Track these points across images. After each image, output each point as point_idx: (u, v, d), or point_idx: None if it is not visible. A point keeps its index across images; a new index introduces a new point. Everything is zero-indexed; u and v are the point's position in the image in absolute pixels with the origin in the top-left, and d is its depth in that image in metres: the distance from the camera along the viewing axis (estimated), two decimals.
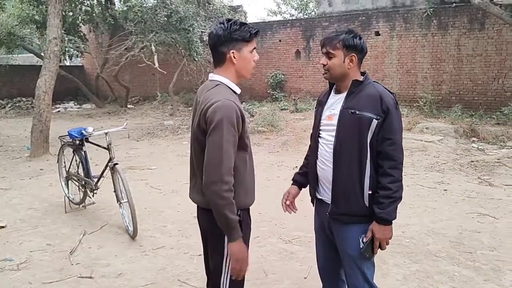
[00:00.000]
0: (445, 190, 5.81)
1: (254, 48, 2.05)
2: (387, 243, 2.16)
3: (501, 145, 8.42)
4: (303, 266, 3.65)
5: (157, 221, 4.80)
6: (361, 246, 2.17)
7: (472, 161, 7.35)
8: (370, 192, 2.14)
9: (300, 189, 2.56)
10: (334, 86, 2.30)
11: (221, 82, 2.02)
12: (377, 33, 12.99)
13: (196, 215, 2.22)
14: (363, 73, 2.24)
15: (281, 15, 22.85)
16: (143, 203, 5.32)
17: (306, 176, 2.48)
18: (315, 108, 2.43)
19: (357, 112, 2.10)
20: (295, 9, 22.39)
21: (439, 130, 9.36)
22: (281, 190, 5.72)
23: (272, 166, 7.45)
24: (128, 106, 17.26)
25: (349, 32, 2.16)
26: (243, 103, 14.18)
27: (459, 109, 11.07)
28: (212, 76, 2.06)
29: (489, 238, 4.18)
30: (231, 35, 1.96)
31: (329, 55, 2.17)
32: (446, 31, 11.80)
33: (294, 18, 20.32)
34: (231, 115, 1.87)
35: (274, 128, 10.62)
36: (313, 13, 20.95)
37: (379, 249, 2.16)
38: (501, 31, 10.97)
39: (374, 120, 2.08)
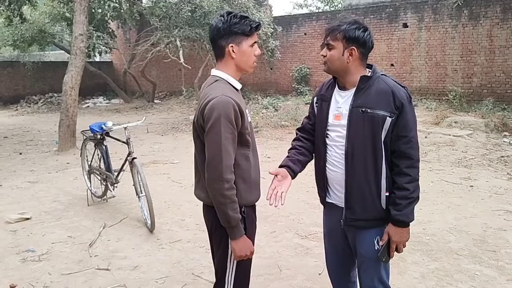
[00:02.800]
0: (471, 186, 5.61)
1: (255, 42, 1.99)
2: (404, 246, 2.06)
3: None
4: (318, 262, 3.59)
5: (175, 214, 4.85)
6: (376, 248, 2.08)
7: (502, 157, 7.07)
8: (387, 194, 2.02)
9: (293, 177, 2.20)
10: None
11: (220, 77, 1.98)
12: (405, 25, 12.67)
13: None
14: (370, 66, 2.09)
15: (307, 8, 22.63)
16: (163, 196, 5.39)
17: (299, 163, 2.25)
18: (316, 103, 2.25)
19: (369, 110, 1.95)
20: (321, 2, 22.11)
21: (469, 124, 9.04)
22: (301, 186, 5.71)
23: None
24: (155, 101, 17.53)
25: (352, 23, 1.97)
26: (268, 97, 14.12)
27: (490, 102, 10.69)
28: (213, 71, 2.03)
29: None
30: (231, 28, 1.91)
31: (329, 46, 2.03)
32: (477, 22, 11.38)
33: (320, 11, 20.05)
34: (228, 111, 1.83)
35: (297, 123, 10.52)
36: (339, 5, 20.62)
37: (395, 252, 2.07)
38: None
39: (388, 118, 1.94)
